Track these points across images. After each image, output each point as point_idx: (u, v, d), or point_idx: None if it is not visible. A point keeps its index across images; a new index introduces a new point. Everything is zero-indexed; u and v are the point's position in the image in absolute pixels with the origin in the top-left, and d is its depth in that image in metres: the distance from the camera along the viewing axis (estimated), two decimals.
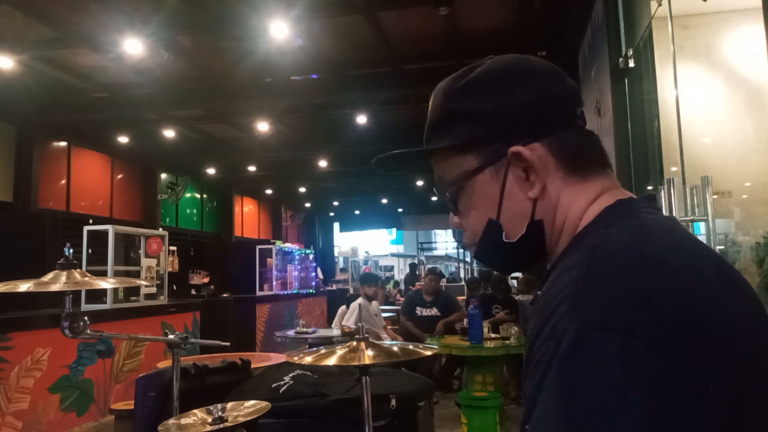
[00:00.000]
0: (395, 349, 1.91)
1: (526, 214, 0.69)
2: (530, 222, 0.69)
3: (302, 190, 16.17)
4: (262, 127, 9.19)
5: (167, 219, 12.13)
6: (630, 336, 0.49)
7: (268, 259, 9.65)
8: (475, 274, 12.05)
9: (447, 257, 27.42)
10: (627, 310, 0.50)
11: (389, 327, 6.58)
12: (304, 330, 5.98)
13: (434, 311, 6.34)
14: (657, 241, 0.58)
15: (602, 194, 0.68)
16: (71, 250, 1.86)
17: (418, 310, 6.40)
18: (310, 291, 10.81)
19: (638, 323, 0.50)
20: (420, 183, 14.92)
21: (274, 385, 2.53)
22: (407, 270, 16.28)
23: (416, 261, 23.01)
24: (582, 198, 0.68)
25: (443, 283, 8.85)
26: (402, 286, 13.92)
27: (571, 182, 0.68)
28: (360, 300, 5.95)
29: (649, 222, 0.63)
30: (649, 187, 3.13)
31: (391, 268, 24.90)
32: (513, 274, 13.46)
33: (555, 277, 0.61)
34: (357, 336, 1.85)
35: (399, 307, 7.82)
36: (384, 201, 18.68)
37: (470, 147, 0.70)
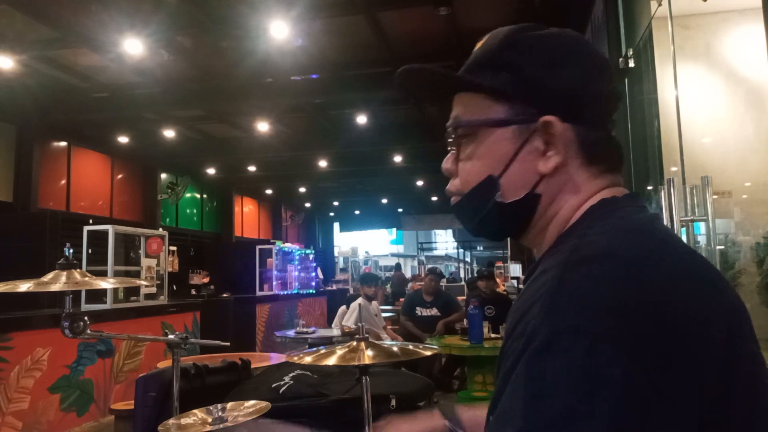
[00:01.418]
0: (395, 349, 1.91)
1: (527, 184, 0.68)
2: (529, 193, 0.68)
3: (302, 190, 16.17)
4: (262, 127, 9.19)
5: (167, 219, 12.13)
6: (600, 340, 0.49)
7: (268, 259, 9.65)
8: (476, 274, 12.06)
9: (447, 257, 27.44)
10: (599, 315, 0.51)
11: (389, 327, 6.58)
12: (304, 330, 5.98)
13: (434, 311, 6.34)
14: (635, 244, 0.58)
15: (599, 192, 0.68)
16: (71, 250, 1.86)
17: (418, 310, 6.40)
18: (310, 291, 10.80)
19: (609, 328, 0.50)
20: (420, 183, 14.93)
21: (274, 385, 2.53)
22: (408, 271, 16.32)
23: (417, 261, 23.00)
24: (583, 193, 0.68)
25: (443, 283, 8.84)
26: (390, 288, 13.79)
27: (583, 174, 0.68)
28: (360, 300, 5.95)
29: (630, 223, 0.63)
30: (649, 187, 3.13)
31: (391, 269, 24.92)
32: (515, 274, 13.47)
33: (534, 278, 0.61)
34: (357, 336, 1.85)
35: (397, 307, 7.82)
36: (384, 201, 18.69)
37: (506, 99, 0.69)
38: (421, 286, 7.27)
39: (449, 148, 0.77)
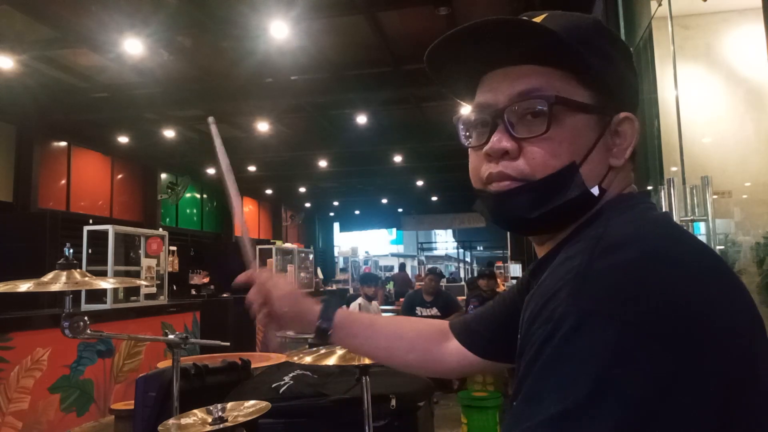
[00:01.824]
0: None
1: (599, 176, 0.66)
2: (601, 185, 0.66)
3: (302, 190, 16.17)
4: (262, 127, 9.19)
5: (167, 219, 12.13)
6: (629, 325, 0.49)
7: (268, 259, 9.64)
8: (476, 274, 12.05)
9: (447, 257, 27.43)
10: (628, 300, 0.51)
11: None
12: None
13: (434, 311, 6.34)
14: (661, 234, 0.59)
15: (625, 188, 0.70)
16: (71, 250, 1.86)
17: (418, 310, 6.40)
18: (310, 291, 10.80)
19: (638, 314, 0.50)
20: (420, 183, 14.93)
21: (274, 385, 2.53)
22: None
23: (417, 261, 23.01)
24: (619, 188, 0.69)
25: (443, 283, 8.84)
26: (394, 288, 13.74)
27: (628, 170, 0.70)
28: (360, 300, 5.95)
29: (650, 216, 0.64)
30: (649, 187, 3.13)
31: (391, 268, 24.90)
32: (515, 274, 13.46)
33: (556, 265, 0.60)
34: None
35: (397, 307, 7.83)
36: (384, 201, 18.69)
37: (591, 85, 0.66)
38: (421, 286, 7.27)
39: (490, 126, 0.68)
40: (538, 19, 0.68)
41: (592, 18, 0.70)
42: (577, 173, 0.64)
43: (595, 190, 0.65)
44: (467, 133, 0.73)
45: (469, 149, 0.72)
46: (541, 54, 0.65)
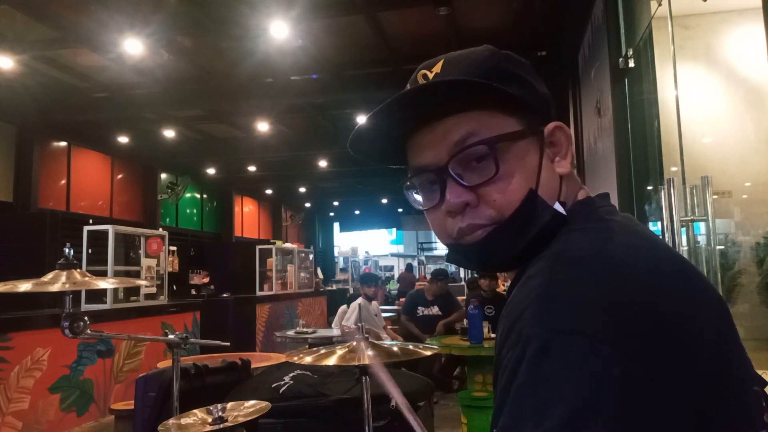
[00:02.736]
0: (395, 349, 1.91)
1: (556, 192, 0.67)
2: (559, 200, 0.66)
3: (302, 190, 16.17)
4: (262, 127, 9.19)
5: (167, 219, 12.13)
6: (596, 340, 0.49)
7: (268, 259, 9.64)
8: (475, 274, 12.03)
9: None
10: (593, 315, 0.50)
11: (389, 327, 6.59)
12: (304, 330, 5.98)
13: (435, 310, 6.35)
14: (619, 243, 0.59)
15: (579, 191, 0.70)
16: (71, 250, 1.86)
17: (419, 310, 6.41)
18: (310, 291, 10.80)
19: (604, 327, 0.49)
20: None
21: (274, 385, 2.53)
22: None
23: (417, 261, 23.01)
24: (575, 194, 0.70)
25: None
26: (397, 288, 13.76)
27: (575, 174, 0.71)
28: (360, 300, 5.95)
29: (610, 224, 0.64)
30: (649, 187, 3.13)
31: (391, 268, 24.89)
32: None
33: (520, 285, 0.60)
34: (357, 336, 1.85)
35: (397, 307, 7.83)
36: (384, 201, 18.69)
37: (516, 110, 0.66)
38: (423, 287, 7.27)
39: (437, 182, 0.68)
40: (437, 67, 0.69)
41: (485, 48, 0.71)
42: (537, 197, 0.65)
43: (559, 207, 0.66)
44: (417, 198, 0.74)
45: (425, 211, 0.72)
46: (460, 103, 0.66)
